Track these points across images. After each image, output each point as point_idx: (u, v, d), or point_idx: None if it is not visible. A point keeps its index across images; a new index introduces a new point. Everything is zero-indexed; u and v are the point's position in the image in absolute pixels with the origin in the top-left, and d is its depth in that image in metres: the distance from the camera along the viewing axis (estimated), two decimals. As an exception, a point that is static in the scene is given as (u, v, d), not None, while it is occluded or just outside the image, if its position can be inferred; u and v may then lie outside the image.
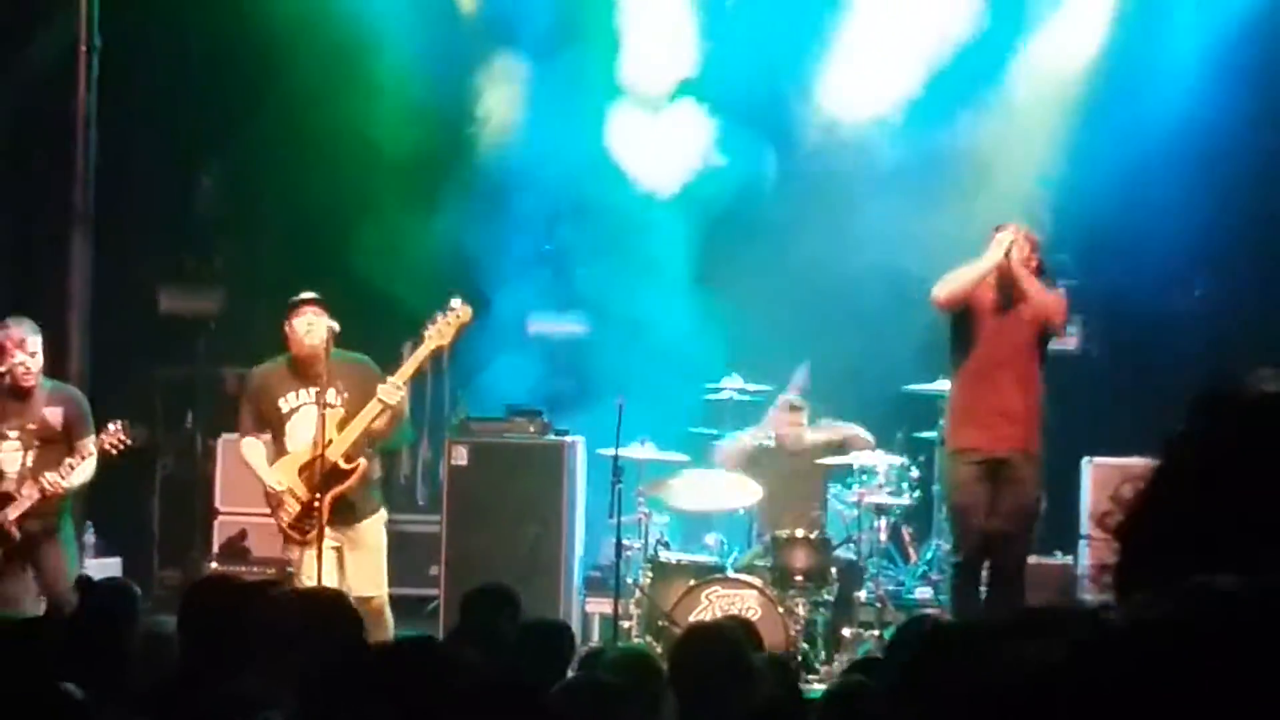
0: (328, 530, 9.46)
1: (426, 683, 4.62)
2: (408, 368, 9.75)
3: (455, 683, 4.54)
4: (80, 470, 9.83)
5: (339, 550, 9.56)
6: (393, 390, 9.55)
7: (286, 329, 9.70)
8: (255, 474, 9.81)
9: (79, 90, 12.58)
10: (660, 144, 13.49)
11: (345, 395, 9.59)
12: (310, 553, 9.46)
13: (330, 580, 9.26)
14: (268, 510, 9.90)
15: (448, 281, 12.91)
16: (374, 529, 9.78)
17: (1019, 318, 9.75)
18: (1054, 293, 9.96)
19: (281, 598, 5.87)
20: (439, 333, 9.68)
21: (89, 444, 9.84)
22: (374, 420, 9.55)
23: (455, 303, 9.77)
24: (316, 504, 9.46)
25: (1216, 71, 12.67)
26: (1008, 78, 13.15)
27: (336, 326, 9.60)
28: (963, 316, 9.86)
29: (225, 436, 12.50)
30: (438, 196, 13.41)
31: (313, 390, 9.55)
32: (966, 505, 9.77)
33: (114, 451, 9.84)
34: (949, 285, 9.82)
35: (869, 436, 11.72)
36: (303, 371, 9.63)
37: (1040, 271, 9.93)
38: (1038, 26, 13.17)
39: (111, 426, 9.84)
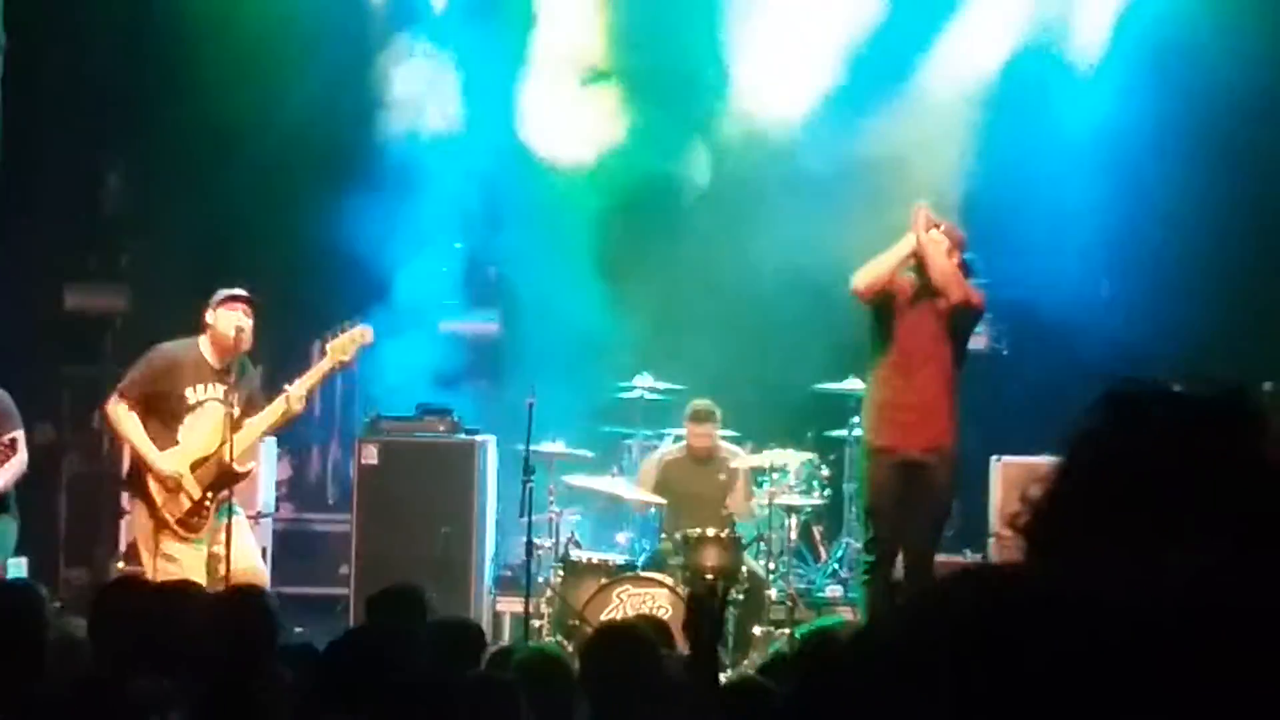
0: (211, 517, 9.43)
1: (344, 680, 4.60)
2: (311, 378, 9.65)
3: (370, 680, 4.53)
4: (3, 472, 9.74)
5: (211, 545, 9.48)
6: (301, 398, 9.50)
7: (209, 317, 9.50)
8: (138, 450, 9.46)
9: (-17, 86, 12.47)
10: (573, 132, 13.49)
11: (241, 396, 9.51)
12: (190, 548, 9.36)
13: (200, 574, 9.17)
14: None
15: (357, 277, 12.91)
16: (240, 515, 9.72)
17: (937, 309, 9.75)
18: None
19: (198, 598, 5.84)
20: (341, 348, 9.61)
21: (16, 440, 9.76)
22: (279, 421, 9.54)
23: (359, 324, 9.74)
24: (207, 503, 9.38)
25: (1126, 73, 12.80)
26: (918, 79, 13.22)
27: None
28: (881, 311, 9.81)
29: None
30: (348, 190, 13.34)
31: (221, 388, 9.46)
32: (882, 506, 9.78)
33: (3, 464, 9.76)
34: (868, 273, 9.74)
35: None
36: (217, 365, 9.52)
37: (964, 272, 9.92)
38: (948, 26, 13.25)
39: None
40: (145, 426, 9.51)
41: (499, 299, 13.87)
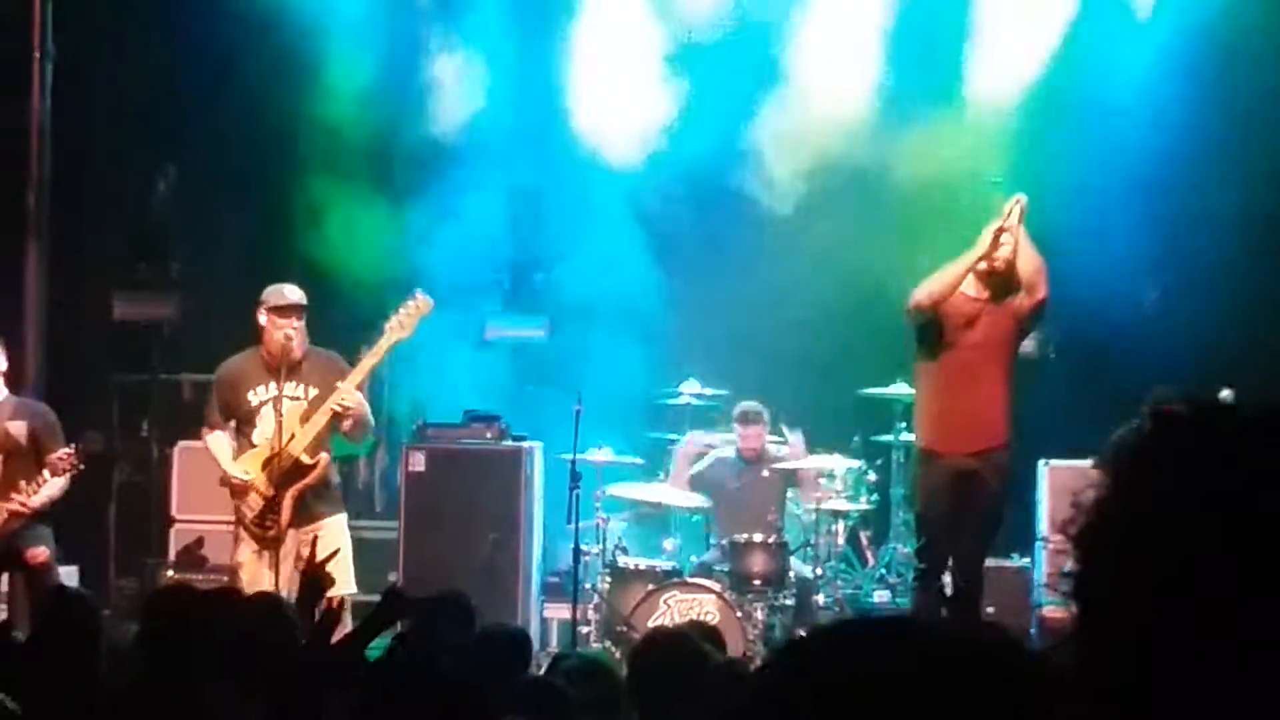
0: (290, 535, 9.48)
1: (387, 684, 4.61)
2: (366, 363, 9.71)
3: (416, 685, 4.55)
4: (47, 489, 9.82)
5: (299, 554, 9.51)
6: (349, 393, 9.53)
7: (264, 320, 9.66)
8: (219, 465, 9.75)
9: (33, 97, 12.53)
10: (620, 133, 13.49)
11: (313, 391, 9.60)
12: (265, 554, 9.46)
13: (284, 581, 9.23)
14: (224, 517, 9.88)
15: (404, 283, 12.93)
16: (335, 529, 9.73)
17: (1006, 313, 9.61)
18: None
19: (232, 605, 5.87)
20: (400, 324, 9.66)
21: (74, 452, 9.86)
22: (336, 420, 9.57)
23: (417, 293, 9.78)
24: (281, 500, 9.46)
25: (1168, 77, 12.73)
26: (962, 86, 13.20)
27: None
28: (936, 319, 9.64)
29: (182, 444, 12.45)
30: (396, 196, 13.39)
31: (289, 384, 9.58)
32: (935, 513, 9.69)
33: (66, 473, 9.83)
34: (934, 286, 9.45)
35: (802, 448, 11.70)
36: (273, 365, 9.60)
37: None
38: (989, 33, 13.22)
39: (65, 451, 9.83)
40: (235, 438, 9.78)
41: (546, 305, 13.86)
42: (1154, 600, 1.50)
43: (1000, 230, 9.52)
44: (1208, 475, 1.53)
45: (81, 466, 9.93)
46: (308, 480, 9.56)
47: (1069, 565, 1.60)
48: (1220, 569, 1.48)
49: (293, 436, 9.52)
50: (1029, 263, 9.57)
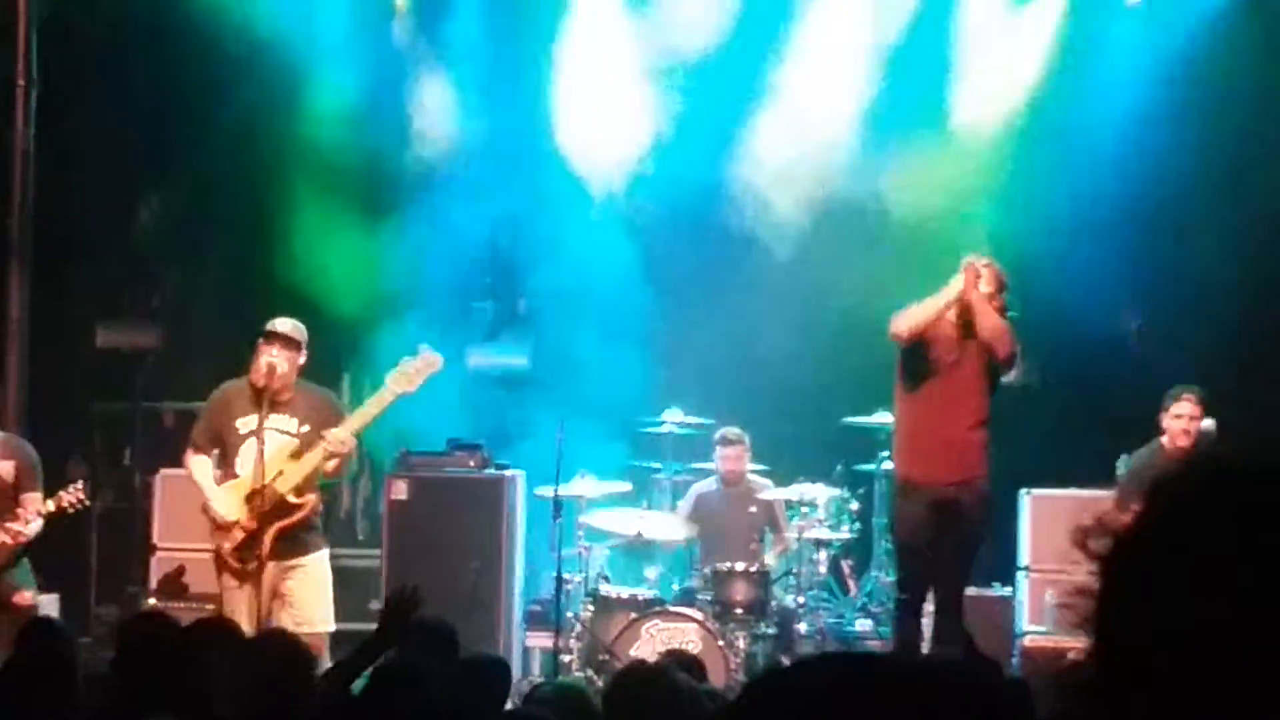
0: (270, 567, 9.41)
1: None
2: (368, 412, 9.68)
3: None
4: (39, 521, 9.79)
5: (278, 586, 9.47)
6: (345, 440, 9.46)
7: (254, 351, 9.60)
8: (202, 493, 9.62)
9: (17, 125, 12.55)
10: (607, 158, 13.53)
11: (304, 428, 9.53)
12: (245, 585, 9.40)
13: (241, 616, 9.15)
14: (206, 545, 9.80)
15: (386, 311, 12.94)
16: (318, 564, 9.71)
17: (972, 348, 9.66)
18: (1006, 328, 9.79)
19: (223, 638, 5.85)
20: (405, 378, 9.59)
21: (38, 500, 9.80)
22: (325, 460, 9.49)
23: (425, 350, 9.73)
24: (264, 536, 9.39)
25: (1151, 105, 12.77)
26: (946, 113, 13.24)
27: (302, 359, 9.58)
28: (914, 347, 9.70)
29: (164, 472, 12.42)
30: (379, 222, 13.40)
31: (278, 418, 9.50)
32: (914, 543, 9.70)
33: (71, 510, 9.81)
34: (910, 319, 9.55)
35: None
36: (257, 395, 9.53)
37: (1001, 312, 9.81)
38: (974, 65, 13.27)
39: (72, 486, 9.81)
40: (219, 464, 9.66)
41: (528, 332, 13.87)
42: (1177, 642, 1.44)
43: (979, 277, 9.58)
44: (1247, 527, 1.47)
45: (87, 503, 9.90)
46: (293, 520, 9.47)
47: (1092, 585, 1.52)
48: (1247, 619, 1.43)
49: (280, 473, 9.45)
50: (986, 329, 9.60)
